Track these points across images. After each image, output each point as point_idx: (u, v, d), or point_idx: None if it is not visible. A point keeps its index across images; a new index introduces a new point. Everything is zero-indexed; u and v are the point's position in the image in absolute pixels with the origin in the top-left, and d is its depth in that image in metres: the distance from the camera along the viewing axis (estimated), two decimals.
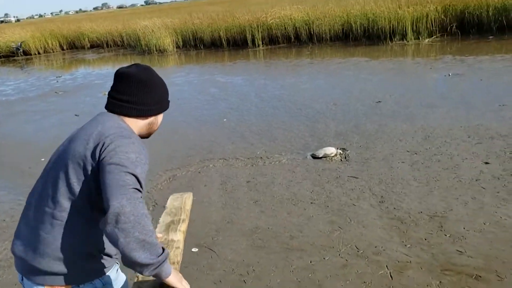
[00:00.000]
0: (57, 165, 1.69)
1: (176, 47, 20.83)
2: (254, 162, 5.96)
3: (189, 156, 6.47)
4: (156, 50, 20.61)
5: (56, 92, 13.51)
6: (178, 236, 2.29)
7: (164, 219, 2.47)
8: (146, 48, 21.03)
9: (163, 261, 1.52)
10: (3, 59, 25.89)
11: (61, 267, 1.64)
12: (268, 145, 6.58)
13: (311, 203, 4.63)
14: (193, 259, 3.85)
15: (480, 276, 3.21)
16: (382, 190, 4.75)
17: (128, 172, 1.51)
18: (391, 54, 13.76)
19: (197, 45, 20.37)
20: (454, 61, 11.16)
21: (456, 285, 3.16)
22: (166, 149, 6.89)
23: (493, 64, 10.27)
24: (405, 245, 3.71)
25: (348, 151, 5.97)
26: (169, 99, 1.92)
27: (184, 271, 3.64)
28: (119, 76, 1.79)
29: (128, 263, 1.47)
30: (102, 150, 1.57)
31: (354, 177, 5.16)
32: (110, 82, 1.85)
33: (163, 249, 1.53)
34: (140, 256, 1.44)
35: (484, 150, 5.45)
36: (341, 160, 5.74)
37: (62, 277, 1.65)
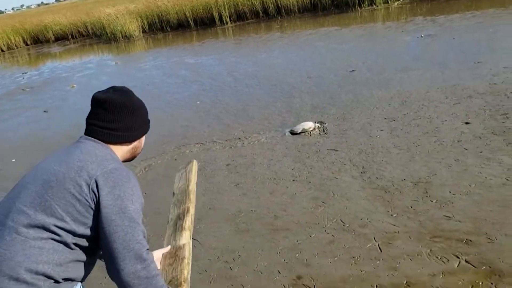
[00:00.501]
0: (40, 184, 1.57)
1: (143, 32, 20.33)
2: (232, 144, 5.79)
3: (163, 144, 6.26)
4: (122, 37, 20.09)
5: (22, 90, 13.02)
6: (184, 239, 2.31)
7: (172, 212, 2.55)
8: (112, 36, 20.47)
9: None
10: None
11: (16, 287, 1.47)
12: (245, 125, 6.41)
13: (293, 180, 4.50)
14: None
15: (470, 240, 3.14)
16: (363, 160, 4.64)
17: (138, 226, 1.55)
18: (361, 20, 13.62)
19: (164, 28, 19.90)
20: (425, 22, 11.08)
21: (446, 251, 3.08)
22: None
23: (464, 21, 10.22)
24: (391, 215, 3.61)
25: (326, 124, 5.84)
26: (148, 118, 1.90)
27: None
28: (99, 102, 1.72)
29: None
30: (103, 193, 1.54)
31: (334, 149, 5.04)
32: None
33: None
34: None
35: (463, 110, 5.38)
36: (319, 133, 5.61)
37: None
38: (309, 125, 5.76)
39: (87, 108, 1.78)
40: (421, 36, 9.63)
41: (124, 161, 1.80)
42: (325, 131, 5.65)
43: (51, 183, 1.54)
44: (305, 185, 4.36)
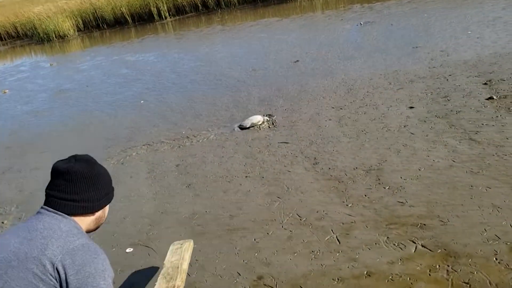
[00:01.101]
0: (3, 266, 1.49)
1: (78, 31, 19.54)
2: (181, 143, 5.63)
3: (108, 147, 5.99)
4: (56, 37, 19.20)
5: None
6: None
7: (159, 283, 2.64)
8: (45, 36, 19.52)
9: None
10: None
11: None
12: (193, 123, 6.25)
13: (246, 176, 4.42)
14: (129, 261, 3.53)
15: (424, 224, 3.19)
16: (314, 151, 4.63)
17: None
18: (301, 10, 13.70)
19: (100, 25, 19.21)
20: (363, 9, 11.29)
21: (403, 237, 3.11)
22: (82, 143, 6.35)
23: (400, 7, 10.49)
24: (347, 205, 3.62)
25: (275, 117, 5.79)
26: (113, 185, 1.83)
27: (121, 275, 3.33)
28: (60, 173, 1.65)
29: None
30: (71, 272, 1.47)
31: (285, 142, 5.00)
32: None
33: None
34: None
35: (406, 95, 5.49)
36: (269, 127, 5.56)
37: None
38: (257, 118, 5.69)
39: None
40: (360, 24, 9.80)
41: (88, 232, 1.74)
42: (274, 124, 5.60)
43: (11, 262, 1.46)
44: (259, 181, 4.29)
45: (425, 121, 4.69)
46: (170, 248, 3.11)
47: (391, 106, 5.28)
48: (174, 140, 5.79)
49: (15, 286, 1.43)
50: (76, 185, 1.65)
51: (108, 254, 3.52)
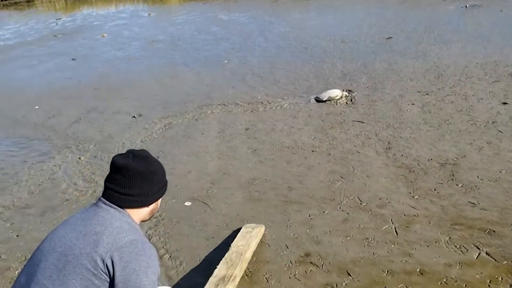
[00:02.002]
0: (57, 257, 1.62)
1: None
2: (254, 108, 5.62)
3: (186, 102, 6.13)
4: None
5: (54, 36, 13.07)
6: None
7: (220, 268, 2.78)
8: None
9: None
10: (5, 1, 25.10)
11: None
12: (270, 89, 6.20)
13: (312, 151, 4.32)
14: (186, 214, 3.63)
15: (493, 231, 2.93)
16: (390, 135, 4.41)
17: None
18: None
19: None
20: None
21: (467, 241, 2.88)
22: (163, 95, 6.56)
23: None
24: (413, 197, 3.42)
25: (355, 93, 5.58)
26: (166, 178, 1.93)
27: (176, 226, 3.44)
28: (118, 168, 1.76)
29: None
30: (118, 269, 1.57)
31: (360, 121, 4.80)
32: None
33: None
34: None
35: (502, 89, 5.02)
36: (346, 103, 5.36)
37: None
38: (336, 93, 5.51)
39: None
40: (466, 6, 9.06)
41: (143, 221, 1.88)
42: (352, 100, 5.39)
43: (68, 257, 1.58)
44: (325, 157, 4.17)
45: None
46: (242, 229, 3.23)
47: (482, 98, 4.86)
48: (248, 103, 5.79)
49: (72, 280, 1.55)
50: (132, 181, 1.74)
51: (168, 205, 3.66)
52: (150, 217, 1.92)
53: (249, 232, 3.17)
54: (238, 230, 3.25)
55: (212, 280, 2.67)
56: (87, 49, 10.54)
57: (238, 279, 2.74)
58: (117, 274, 1.57)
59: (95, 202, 1.79)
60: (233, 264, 2.81)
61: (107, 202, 1.74)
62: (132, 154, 1.80)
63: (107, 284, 1.59)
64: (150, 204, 1.84)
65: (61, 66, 9.17)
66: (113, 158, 1.80)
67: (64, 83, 7.94)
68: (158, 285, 1.66)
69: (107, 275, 1.58)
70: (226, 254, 2.92)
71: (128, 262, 1.58)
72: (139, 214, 1.81)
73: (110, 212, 1.71)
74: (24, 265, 1.74)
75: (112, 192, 1.75)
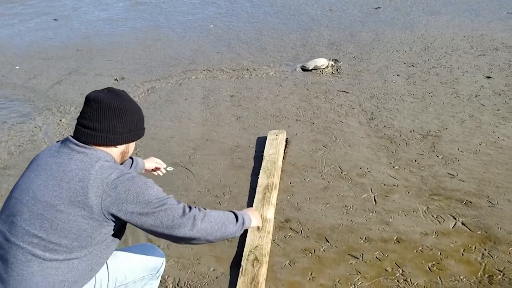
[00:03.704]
0: (44, 207, 1.55)
1: None
2: (240, 75, 5.56)
3: (170, 66, 6.04)
4: None
5: None
6: (270, 214, 2.93)
7: (261, 177, 3.29)
8: None
9: (243, 222, 1.80)
10: None
11: None
12: (256, 56, 6.12)
13: (296, 120, 4.31)
14: (168, 179, 3.62)
15: (470, 202, 2.99)
16: (373, 106, 4.42)
17: (164, 204, 1.58)
18: None
19: None
20: None
21: (444, 211, 2.94)
22: (146, 58, 6.44)
23: None
24: (393, 167, 3.45)
25: (341, 63, 5.54)
26: (144, 126, 1.84)
27: None
28: (88, 101, 1.67)
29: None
30: (118, 207, 1.55)
31: (345, 91, 4.80)
32: None
33: (234, 213, 1.80)
34: (230, 233, 1.74)
35: (486, 63, 5.04)
36: (332, 72, 5.34)
37: None
38: (322, 62, 5.47)
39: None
40: None
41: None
42: (338, 70, 5.37)
43: (57, 207, 1.52)
44: (308, 126, 4.18)
45: (499, 94, 4.30)
46: (268, 137, 3.83)
47: (466, 72, 4.88)
48: (234, 70, 5.72)
49: (68, 228, 1.52)
50: (100, 114, 1.64)
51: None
52: (121, 163, 1.80)
53: (274, 139, 3.72)
54: (261, 137, 3.95)
55: (259, 189, 3.18)
56: (70, 9, 10.23)
57: (278, 186, 3.25)
58: (122, 209, 1.55)
59: (63, 140, 1.69)
60: (271, 173, 3.33)
61: (78, 142, 1.64)
62: (108, 89, 1.71)
63: (107, 221, 1.57)
64: (119, 145, 1.72)
65: (43, 26, 8.91)
66: (88, 93, 1.71)
67: (45, 44, 7.74)
68: (157, 190, 1.62)
69: (106, 215, 1.55)
70: (263, 163, 3.47)
71: (127, 191, 1.56)
72: (112, 153, 1.71)
73: (86, 153, 1.62)
74: None
75: (80, 128, 1.66)
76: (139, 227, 1.60)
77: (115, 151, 1.72)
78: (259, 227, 1.98)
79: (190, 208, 1.65)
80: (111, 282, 1.80)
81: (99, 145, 1.66)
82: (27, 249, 1.52)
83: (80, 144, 1.63)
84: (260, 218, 1.95)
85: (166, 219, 1.57)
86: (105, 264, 1.78)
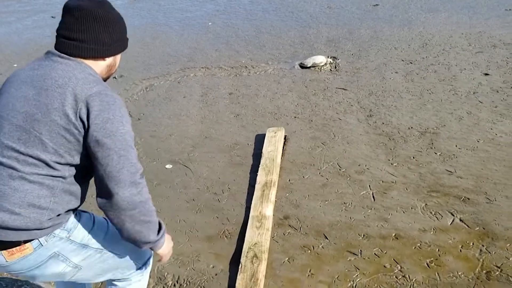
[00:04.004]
0: (23, 118, 1.45)
1: None
2: (238, 72, 5.56)
3: (168, 64, 6.04)
4: None
5: None
6: (269, 211, 2.96)
7: (260, 175, 3.32)
8: None
9: (161, 237, 1.63)
10: None
11: (17, 222, 1.42)
12: (255, 53, 6.13)
13: (295, 117, 4.32)
14: (166, 176, 3.62)
15: (468, 199, 3.01)
16: (372, 103, 4.43)
17: (131, 149, 1.47)
18: None
19: None
20: None
21: (442, 207, 2.96)
22: (145, 55, 6.43)
23: None
24: (391, 164, 3.47)
25: (339, 60, 5.55)
26: (127, 36, 1.69)
27: (157, 188, 3.44)
28: (70, 10, 1.51)
29: (130, 240, 1.55)
30: (91, 117, 1.42)
31: (343, 88, 4.80)
32: None
33: (160, 225, 1.62)
34: (144, 236, 1.54)
35: (484, 60, 5.05)
36: (330, 70, 5.34)
37: (18, 232, 1.44)
38: (320, 59, 5.48)
39: None
40: None
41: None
42: (336, 67, 5.38)
43: (35, 116, 1.43)
44: (307, 123, 4.18)
45: (497, 91, 4.32)
46: (266, 134, 3.85)
47: (464, 69, 4.89)
48: (232, 67, 5.72)
49: (45, 140, 1.42)
50: (85, 24, 1.50)
51: (148, 167, 3.64)
52: (107, 77, 1.68)
53: (273, 136, 3.74)
54: (260, 135, 3.97)
55: (257, 187, 3.20)
56: None
57: (277, 183, 3.26)
58: (91, 123, 1.42)
59: (45, 53, 1.56)
60: (269, 170, 3.35)
61: (62, 55, 1.51)
62: None
63: (82, 139, 1.45)
64: (107, 57, 1.59)
65: (40, 24, 8.89)
66: (66, 2, 1.54)
67: (43, 41, 7.71)
68: (133, 138, 1.51)
69: (81, 128, 1.43)
70: (262, 161, 3.48)
71: (100, 110, 1.42)
72: (97, 67, 1.59)
73: (70, 64, 1.49)
74: None
75: (64, 40, 1.51)
76: (92, 158, 1.45)
77: (102, 65, 1.60)
78: (160, 259, 1.74)
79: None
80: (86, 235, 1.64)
81: (86, 58, 1.54)
82: (7, 163, 1.43)
83: (64, 55, 1.51)
84: (170, 247, 1.75)
85: (120, 167, 1.43)
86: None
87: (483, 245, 2.62)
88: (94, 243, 1.62)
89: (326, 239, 2.79)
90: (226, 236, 2.91)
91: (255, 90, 5.01)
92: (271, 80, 5.23)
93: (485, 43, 5.53)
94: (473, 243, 2.65)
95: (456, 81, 4.66)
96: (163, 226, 1.63)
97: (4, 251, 1.44)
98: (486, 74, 4.71)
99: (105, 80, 1.65)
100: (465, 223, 2.80)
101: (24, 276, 1.58)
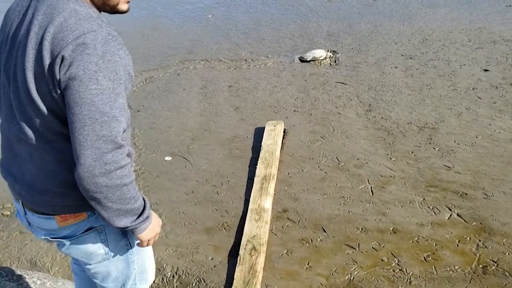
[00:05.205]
0: (15, 82, 1.22)
1: None
2: (238, 65, 5.56)
3: (168, 56, 6.03)
4: None
5: None
6: (268, 204, 2.97)
7: (259, 168, 3.33)
8: None
9: (141, 223, 1.35)
10: None
11: (69, 200, 1.32)
12: (255, 46, 6.12)
13: (294, 111, 4.33)
14: (166, 168, 3.63)
15: (466, 194, 3.03)
16: (371, 97, 4.43)
17: (102, 115, 1.13)
18: None
19: None
20: None
21: (440, 202, 2.98)
22: (144, 47, 6.42)
23: None
24: (390, 158, 3.48)
25: (339, 54, 5.55)
26: None
27: (156, 180, 3.45)
28: None
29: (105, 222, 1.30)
30: (64, 70, 1.11)
31: (342, 83, 4.81)
32: None
33: (144, 207, 1.34)
34: (113, 222, 1.28)
35: (484, 56, 5.06)
36: (330, 64, 5.34)
37: (74, 206, 1.34)
38: (320, 53, 5.48)
39: None
40: None
41: (106, 10, 1.31)
42: (336, 61, 5.38)
43: (24, 77, 1.18)
44: (306, 117, 4.19)
45: (496, 87, 4.33)
46: (266, 127, 3.86)
47: (464, 64, 4.90)
48: (232, 60, 5.72)
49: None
50: None
51: (147, 159, 3.65)
52: (109, 8, 1.31)
53: (272, 130, 3.76)
54: (259, 128, 4.00)
55: (256, 180, 3.21)
56: None
57: (276, 176, 3.26)
58: (61, 87, 1.13)
59: None
60: (269, 163, 3.36)
61: None
62: None
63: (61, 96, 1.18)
64: None
65: None
66: None
67: None
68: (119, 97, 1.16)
69: (57, 80, 1.14)
70: (261, 154, 3.49)
71: (69, 66, 1.11)
72: None
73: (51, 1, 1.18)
74: None
75: None
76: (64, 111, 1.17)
77: None
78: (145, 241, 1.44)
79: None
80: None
81: None
82: (22, 142, 1.28)
83: None
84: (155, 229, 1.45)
85: (82, 140, 1.14)
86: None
87: (480, 240, 2.65)
88: (130, 235, 1.49)
89: (325, 232, 2.81)
90: (225, 229, 2.92)
91: (254, 83, 5.01)
92: (271, 73, 5.23)
93: (485, 39, 5.53)
94: (470, 238, 2.67)
95: (455, 76, 4.67)
96: (147, 211, 1.35)
97: (58, 216, 1.35)
98: (486, 70, 4.71)
99: (108, 10, 1.32)
100: (462, 218, 2.83)
101: (61, 245, 1.44)
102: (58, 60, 1.11)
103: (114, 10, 1.32)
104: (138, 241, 1.45)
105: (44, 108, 1.19)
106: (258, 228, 2.76)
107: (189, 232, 2.91)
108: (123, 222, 1.29)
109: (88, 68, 1.11)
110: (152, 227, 1.41)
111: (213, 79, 5.22)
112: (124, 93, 1.19)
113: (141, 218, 1.33)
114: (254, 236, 2.70)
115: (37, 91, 1.17)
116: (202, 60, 5.80)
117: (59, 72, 1.12)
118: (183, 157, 3.77)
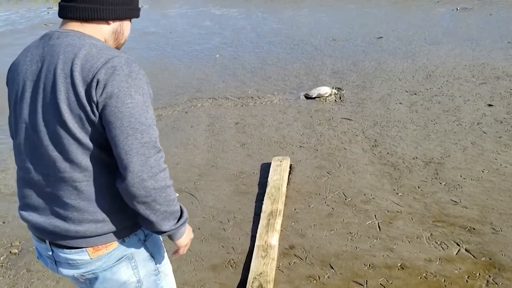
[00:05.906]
0: (46, 120, 1.31)
1: None
2: (245, 102, 5.65)
3: (177, 95, 6.15)
4: None
5: (45, 24, 12.96)
6: (274, 240, 2.96)
7: (266, 203, 3.34)
8: None
9: (181, 226, 1.42)
10: None
11: (103, 227, 1.38)
12: (261, 84, 6.23)
13: (300, 146, 4.37)
14: None
15: (474, 229, 3.00)
16: (377, 133, 4.47)
17: (141, 124, 1.25)
18: None
19: None
20: None
21: (447, 237, 2.95)
22: (153, 86, 6.47)
23: None
24: (397, 194, 3.48)
25: (344, 91, 5.63)
26: (139, 6, 1.53)
27: None
28: None
29: (148, 228, 1.41)
30: (100, 91, 1.24)
31: (348, 119, 4.86)
32: None
33: (181, 211, 1.43)
34: (161, 226, 1.36)
35: (488, 91, 5.11)
36: (335, 100, 5.42)
37: (106, 235, 1.40)
38: (325, 90, 5.56)
39: None
40: (457, 9, 9.17)
41: None
42: (341, 98, 5.45)
43: (60, 112, 1.31)
44: (312, 152, 4.22)
45: (501, 122, 4.35)
46: (272, 163, 3.88)
47: (468, 100, 4.95)
48: (238, 98, 5.82)
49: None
50: None
51: None
52: (116, 46, 1.47)
53: (279, 165, 3.77)
54: (265, 164, 4.01)
55: (263, 216, 3.22)
56: None
57: (282, 212, 3.27)
58: (99, 108, 1.26)
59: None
60: (275, 199, 3.37)
61: (62, 30, 1.35)
62: None
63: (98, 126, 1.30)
64: (111, 20, 1.40)
65: None
66: None
67: None
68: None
69: (94, 104, 1.26)
70: (267, 189, 3.51)
71: (104, 87, 1.24)
72: (101, 32, 1.41)
73: (68, 35, 1.33)
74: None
75: (63, 4, 1.37)
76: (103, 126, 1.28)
77: (107, 30, 1.41)
78: (177, 250, 1.53)
79: None
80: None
81: (89, 21, 1.37)
82: (54, 177, 1.36)
83: (65, 30, 1.35)
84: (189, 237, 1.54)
85: (128, 149, 1.25)
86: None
87: (489, 276, 2.61)
88: (158, 258, 1.56)
89: (332, 269, 2.78)
90: (231, 266, 2.91)
91: (261, 120, 5.08)
92: (277, 110, 5.30)
93: (488, 74, 5.60)
94: (479, 274, 2.63)
95: (460, 112, 4.71)
96: (185, 215, 1.44)
97: (90, 248, 1.39)
98: (490, 105, 4.75)
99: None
100: (471, 253, 2.80)
101: (93, 280, 1.47)
102: (94, 84, 1.24)
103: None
104: (163, 261, 1.57)
105: (80, 136, 1.29)
106: (264, 265, 2.75)
107: (195, 269, 2.90)
108: (168, 225, 1.36)
109: (121, 86, 1.25)
110: (187, 232, 1.51)
111: (220, 116, 5.30)
112: (152, 106, 1.33)
113: (181, 221, 1.41)
114: (261, 273, 2.68)
115: (73, 120, 1.28)
116: (209, 98, 5.90)
117: (96, 94, 1.24)
118: (190, 193, 3.80)
